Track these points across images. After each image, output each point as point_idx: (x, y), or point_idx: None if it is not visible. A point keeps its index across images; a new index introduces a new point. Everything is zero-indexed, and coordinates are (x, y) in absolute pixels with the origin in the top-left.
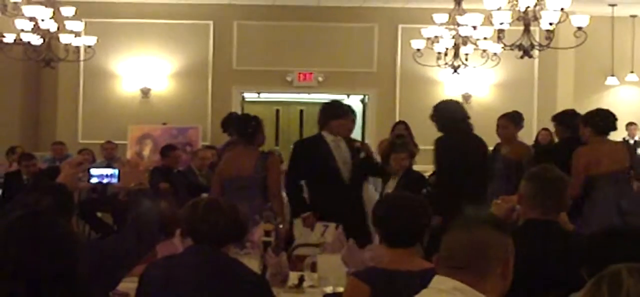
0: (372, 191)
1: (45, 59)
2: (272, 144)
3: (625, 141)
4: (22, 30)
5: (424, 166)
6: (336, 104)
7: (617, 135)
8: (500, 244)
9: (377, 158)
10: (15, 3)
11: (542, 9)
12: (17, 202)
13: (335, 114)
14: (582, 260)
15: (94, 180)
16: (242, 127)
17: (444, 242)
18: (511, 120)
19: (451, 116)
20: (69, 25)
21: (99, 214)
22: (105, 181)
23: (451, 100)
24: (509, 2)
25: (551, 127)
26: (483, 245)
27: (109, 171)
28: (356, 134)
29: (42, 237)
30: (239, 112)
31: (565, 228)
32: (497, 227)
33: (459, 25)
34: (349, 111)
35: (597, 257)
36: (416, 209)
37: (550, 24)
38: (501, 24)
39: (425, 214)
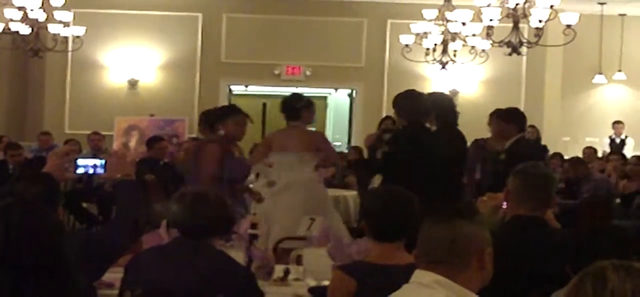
0: None
1: (33, 49)
2: (258, 137)
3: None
4: (11, 20)
5: None
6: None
7: (604, 134)
8: (476, 236)
9: (364, 152)
10: None
11: (531, 6)
12: (4, 191)
13: None
14: (567, 257)
15: (80, 170)
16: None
17: (421, 236)
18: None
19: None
20: (58, 15)
21: (84, 205)
22: (91, 171)
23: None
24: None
25: (539, 124)
26: (459, 237)
27: (95, 162)
28: (343, 128)
29: (28, 226)
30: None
31: (551, 225)
32: (470, 218)
33: (448, 21)
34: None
35: (582, 254)
36: (404, 203)
37: (540, 21)
38: (490, 20)
39: (413, 208)
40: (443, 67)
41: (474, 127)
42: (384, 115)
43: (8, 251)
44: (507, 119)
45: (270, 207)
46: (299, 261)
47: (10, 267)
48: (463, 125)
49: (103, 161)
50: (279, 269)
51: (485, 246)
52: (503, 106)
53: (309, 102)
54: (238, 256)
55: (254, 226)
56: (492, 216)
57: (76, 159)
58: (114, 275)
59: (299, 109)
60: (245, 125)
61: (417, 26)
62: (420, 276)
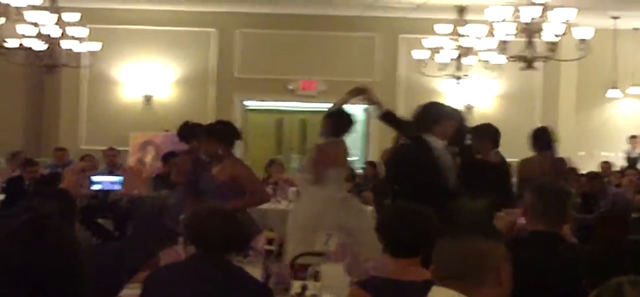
0: None
1: (48, 65)
2: (273, 153)
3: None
4: (25, 36)
5: None
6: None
7: (619, 148)
8: (492, 252)
9: (381, 167)
10: (18, 8)
11: (545, 21)
12: (21, 207)
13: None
14: (585, 272)
15: (96, 187)
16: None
17: (438, 252)
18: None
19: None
20: (72, 31)
21: (99, 221)
22: (107, 187)
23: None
24: (512, 14)
25: None
26: (476, 254)
27: (112, 179)
28: (359, 144)
29: (46, 242)
30: (241, 121)
31: (568, 240)
32: (489, 234)
33: (461, 36)
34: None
35: (598, 269)
36: (420, 218)
37: (554, 36)
38: (505, 35)
39: (429, 223)
40: (457, 82)
41: None
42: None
43: (26, 268)
44: (479, 135)
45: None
46: (316, 276)
47: (26, 284)
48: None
49: (120, 178)
50: (296, 285)
51: (503, 262)
52: (518, 121)
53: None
54: (255, 271)
55: (270, 241)
56: (508, 232)
57: (91, 175)
58: (132, 291)
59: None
60: (213, 148)
61: (428, 41)
62: (438, 292)
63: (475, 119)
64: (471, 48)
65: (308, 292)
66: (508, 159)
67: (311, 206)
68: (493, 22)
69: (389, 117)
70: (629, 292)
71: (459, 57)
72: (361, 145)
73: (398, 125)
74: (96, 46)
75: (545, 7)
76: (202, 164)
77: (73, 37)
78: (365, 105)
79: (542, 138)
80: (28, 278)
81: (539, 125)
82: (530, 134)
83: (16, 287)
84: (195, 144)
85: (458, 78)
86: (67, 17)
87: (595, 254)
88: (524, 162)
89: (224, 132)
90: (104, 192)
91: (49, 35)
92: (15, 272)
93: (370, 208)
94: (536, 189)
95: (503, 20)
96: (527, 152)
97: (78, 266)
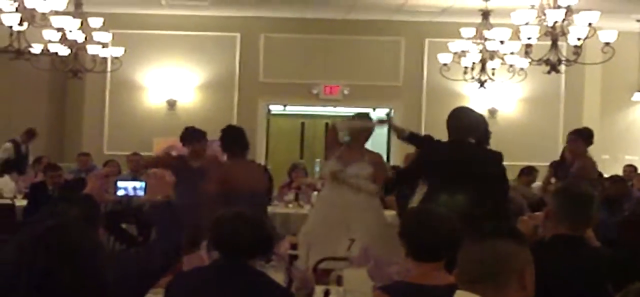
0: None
1: (72, 70)
2: (296, 157)
3: None
4: (50, 41)
5: None
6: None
7: None
8: (517, 255)
9: None
10: (43, 14)
11: (570, 24)
12: (45, 212)
13: None
14: (608, 276)
15: (120, 192)
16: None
17: (461, 256)
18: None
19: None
20: (97, 36)
21: (123, 226)
22: (131, 193)
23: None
24: (536, 17)
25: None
26: (500, 257)
27: (136, 184)
28: (382, 147)
29: (70, 248)
30: (265, 125)
31: (591, 244)
32: (513, 237)
33: (486, 39)
34: None
35: (623, 272)
36: (442, 222)
37: (578, 39)
38: (529, 38)
39: (452, 227)
40: (481, 86)
41: (512, 145)
42: (423, 134)
43: (50, 275)
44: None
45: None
46: (339, 281)
47: (51, 290)
48: (502, 143)
49: (143, 183)
50: (319, 290)
51: (526, 266)
52: (541, 124)
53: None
54: (278, 276)
55: (293, 246)
56: (532, 235)
57: (116, 180)
58: (155, 296)
59: None
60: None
61: (454, 45)
62: (461, 296)
63: (498, 123)
64: (496, 51)
65: None
66: (532, 163)
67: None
68: (518, 25)
69: (413, 138)
70: None
71: (483, 60)
72: (383, 149)
73: (421, 142)
74: (120, 51)
75: (569, 10)
76: (188, 168)
77: (97, 43)
78: (388, 110)
79: None
80: (51, 284)
81: (563, 129)
82: None
83: (40, 293)
84: (198, 147)
85: (482, 82)
86: (91, 22)
87: (619, 258)
88: None
89: (222, 138)
90: (128, 198)
91: (74, 41)
92: (39, 278)
93: (392, 212)
94: (560, 192)
95: (527, 24)
96: (550, 156)
97: (101, 272)
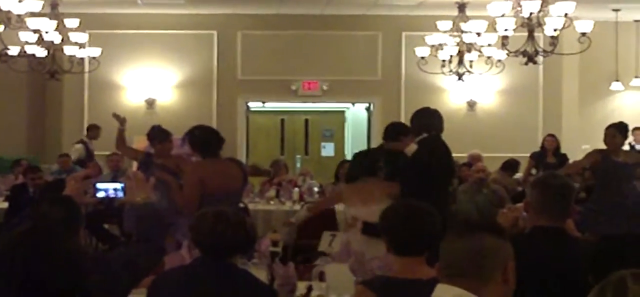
0: None
1: (50, 71)
2: (277, 154)
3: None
4: (27, 43)
5: None
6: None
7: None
8: (499, 249)
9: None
10: (19, 15)
11: (546, 15)
12: (26, 214)
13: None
14: (589, 266)
15: (100, 194)
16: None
17: (443, 250)
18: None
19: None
20: (73, 37)
21: (106, 226)
22: (111, 195)
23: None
24: (512, 9)
25: (557, 133)
26: (482, 251)
27: (116, 185)
28: (361, 142)
29: (48, 251)
30: (244, 123)
31: (572, 234)
32: (494, 232)
33: (463, 32)
34: None
35: (603, 263)
36: (423, 216)
37: (555, 30)
38: (505, 30)
39: (433, 221)
40: (459, 78)
41: (492, 137)
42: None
43: (29, 277)
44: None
45: None
46: (321, 277)
47: (31, 293)
48: (481, 135)
49: (122, 185)
50: (301, 286)
51: (508, 259)
52: (520, 116)
53: None
54: (260, 273)
55: (275, 243)
56: (512, 227)
57: (95, 182)
58: None
59: None
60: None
61: (432, 38)
62: (443, 290)
63: (478, 115)
64: (473, 44)
65: (314, 293)
66: (512, 154)
67: None
68: (494, 17)
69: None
70: (632, 286)
71: (461, 53)
72: (364, 144)
73: None
74: (97, 52)
75: (545, 1)
76: (152, 165)
77: (74, 43)
78: (367, 105)
79: None
80: (31, 287)
81: (542, 120)
82: None
83: (19, 296)
84: (168, 145)
85: (460, 74)
86: (67, 23)
87: (600, 249)
88: None
89: (190, 140)
90: (109, 199)
91: (51, 42)
92: (19, 281)
93: None
94: (538, 184)
95: (503, 16)
96: (530, 147)
97: (81, 274)
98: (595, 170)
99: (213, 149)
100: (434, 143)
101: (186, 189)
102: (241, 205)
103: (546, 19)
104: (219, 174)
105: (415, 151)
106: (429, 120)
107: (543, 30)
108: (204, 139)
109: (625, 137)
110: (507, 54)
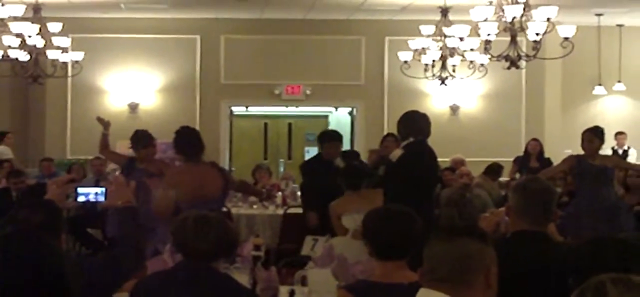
0: None
1: (33, 75)
2: (260, 158)
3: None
4: (9, 47)
5: None
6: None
7: (606, 145)
8: (482, 254)
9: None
10: (1, 19)
11: (528, 19)
12: (8, 219)
13: None
14: (570, 270)
15: (81, 198)
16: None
17: (426, 255)
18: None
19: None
20: (56, 41)
21: (89, 230)
22: (92, 199)
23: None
24: (495, 13)
25: (541, 137)
26: (464, 256)
27: (96, 190)
28: (345, 147)
29: (29, 254)
30: (228, 127)
31: (553, 238)
32: (477, 237)
33: (445, 36)
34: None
35: (583, 267)
36: (404, 221)
37: (537, 34)
38: (488, 35)
39: (414, 225)
40: (442, 83)
41: (475, 142)
42: (385, 132)
43: (9, 280)
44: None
45: None
46: (303, 281)
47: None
48: (464, 139)
49: (103, 189)
50: (284, 290)
51: (491, 264)
52: (503, 120)
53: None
54: (242, 278)
55: (257, 247)
56: (494, 232)
57: (77, 186)
58: None
59: None
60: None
61: (415, 42)
62: (425, 294)
63: (461, 120)
64: (456, 48)
65: None
66: (495, 159)
67: None
68: (476, 22)
69: None
70: (612, 290)
71: (444, 57)
72: (347, 147)
73: None
74: (80, 56)
75: (528, 6)
76: (135, 170)
77: (57, 48)
78: (350, 109)
79: None
80: (13, 291)
81: (525, 124)
82: None
83: None
84: (152, 150)
85: (443, 79)
86: (50, 27)
87: (580, 252)
88: None
89: (175, 141)
90: (90, 203)
91: (34, 46)
92: (1, 286)
93: None
94: (519, 188)
95: (485, 20)
96: (513, 152)
97: (62, 277)
98: (573, 175)
99: (196, 151)
100: (419, 148)
101: (161, 195)
102: (224, 209)
103: (529, 24)
104: (197, 181)
105: (401, 156)
106: (416, 124)
107: (526, 34)
108: (188, 141)
109: (602, 141)
110: (490, 59)
